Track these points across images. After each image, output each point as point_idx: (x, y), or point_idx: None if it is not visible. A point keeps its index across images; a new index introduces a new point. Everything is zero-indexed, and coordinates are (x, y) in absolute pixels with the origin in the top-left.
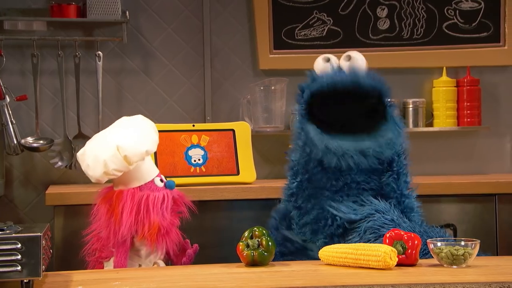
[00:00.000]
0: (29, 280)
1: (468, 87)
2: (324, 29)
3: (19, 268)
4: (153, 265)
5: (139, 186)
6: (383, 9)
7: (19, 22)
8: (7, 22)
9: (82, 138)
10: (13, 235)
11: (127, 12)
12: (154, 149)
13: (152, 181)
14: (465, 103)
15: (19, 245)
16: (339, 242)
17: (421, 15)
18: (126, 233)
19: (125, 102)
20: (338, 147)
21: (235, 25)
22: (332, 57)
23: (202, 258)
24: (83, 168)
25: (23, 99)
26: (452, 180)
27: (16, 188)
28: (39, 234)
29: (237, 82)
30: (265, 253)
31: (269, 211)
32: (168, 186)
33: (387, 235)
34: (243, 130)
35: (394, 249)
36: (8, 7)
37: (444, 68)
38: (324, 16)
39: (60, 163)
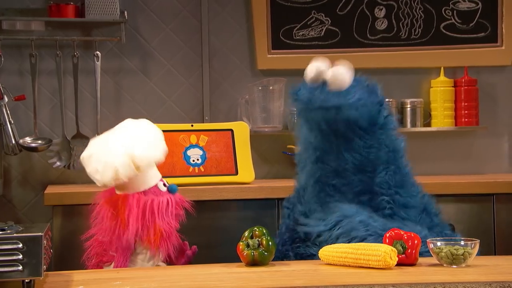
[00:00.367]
0: (30, 280)
1: (465, 87)
2: (322, 29)
3: (20, 268)
4: None
5: (143, 191)
6: (381, 9)
7: (17, 22)
8: (5, 22)
9: (81, 138)
10: (15, 234)
11: (126, 12)
12: (163, 157)
13: (156, 185)
14: (463, 103)
15: (20, 245)
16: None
17: (419, 15)
18: (131, 238)
19: (124, 102)
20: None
21: (233, 25)
22: (320, 68)
23: (201, 258)
24: (88, 170)
25: (21, 99)
26: (450, 180)
27: (14, 188)
28: (40, 234)
29: (235, 82)
30: (265, 253)
31: (267, 211)
32: (170, 190)
33: (387, 234)
34: (241, 130)
35: (394, 248)
36: (6, 7)
37: (442, 68)
38: (322, 16)
39: (58, 163)
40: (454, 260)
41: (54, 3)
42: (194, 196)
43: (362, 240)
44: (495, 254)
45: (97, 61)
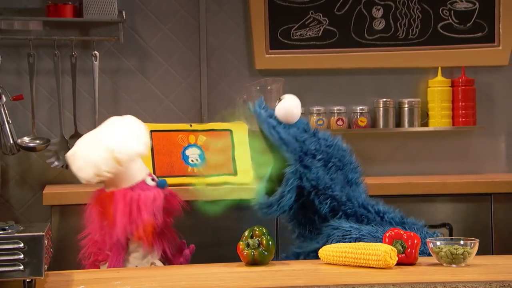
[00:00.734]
0: (32, 280)
1: (463, 87)
2: (320, 29)
3: (21, 267)
4: (150, 265)
5: (130, 186)
6: (379, 10)
7: (15, 21)
8: (3, 22)
9: (79, 137)
10: (16, 234)
11: (124, 12)
12: (145, 150)
13: (143, 180)
14: (460, 103)
15: (21, 245)
16: None
17: (416, 15)
18: (120, 235)
19: (122, 102)
20: None
21: (231, 25)
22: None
23: (200, 258)
24: (73, 169)
25: (20, 99)
26: (447, 180)
27: (12, 188)
28: (41, 233)
29: (233, 82)
30: (265, 253)
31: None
32: (159, 185)
33: (387, 234)
34: (240, 130)
35: (394, 248)
36: (4, 7)
37: (439, 68)
38: (320, 16)
39: (56, 163)
40: (454, 259)
41: (52, 2)
42: (192, 196)
43: (357, 240)
44: (492, 254)
45: (95, 61)
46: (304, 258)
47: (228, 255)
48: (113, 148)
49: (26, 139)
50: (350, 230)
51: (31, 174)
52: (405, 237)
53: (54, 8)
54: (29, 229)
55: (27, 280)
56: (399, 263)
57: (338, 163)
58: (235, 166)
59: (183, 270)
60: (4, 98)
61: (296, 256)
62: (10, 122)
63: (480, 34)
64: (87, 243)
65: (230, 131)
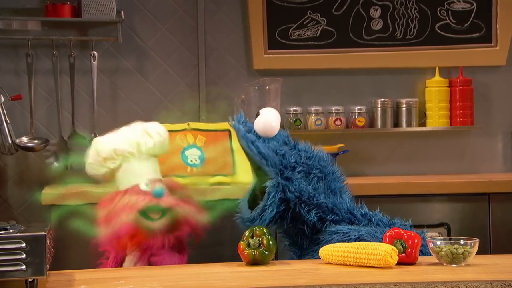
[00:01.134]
0: (34, 279)
1: (460, 87)
2: (318, 29)
3: (23, 267)
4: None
5: (125, 189)
6: (376, 10)
7: (13, 21)
8: (1, 22)
9: (77, 137)
10: (18, 234)
11: (122, 12)
12: (128, 148)
13: (136, 186)
14: (458, 103)
15: (23, 244)
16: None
17: (414, 15)
18: (107, 237)
19: (120, 101)
20: None
21: (230, 25)
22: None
23: (199, 257)
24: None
25: (18, 99)
26: (445, 180)
27: (11, 187)
28: (43, 233)
29: (231, 82)
30: (266, 252)
31: None
32: (154, 193)
33: (387, 234)
34: None
35: (394, 247)
36: (2, 7)
37: (437, 68)
38: (318, 16)
39: (55, 163)
40: (454, 259)
41: (51, 2)
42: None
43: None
44: (490, 253)
45: (94, 61)
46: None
47: (227, 255)
48: (98, 143)
49: (24, 139)
50: (349, 232)
51: (29, 174)
52: (406, 236)
53: (52, 8)
54: (30, 229)
55: (29, 279)
56: (399, 263)
57: (319, 174)
58: (234, 166)
59: (184, 270)
60: (2, 98)
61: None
62: (9, 122)
63: (477, 34)
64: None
65: (229, 131)
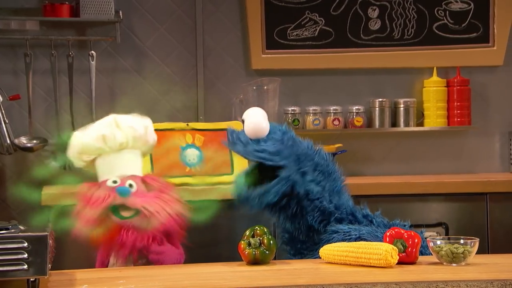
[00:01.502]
0: (36, 279)
1: (458, 87)
2: (316, 29)
3: (25, 266)
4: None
5: (99, 183)
6: (374, 10)
7: (11, 21)
8: (0, 22)
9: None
10: (20, 234)
11: (120, 12)
12: (95, 143)
13: (105, 181)
14: (455, 103)
15: (25, 244)
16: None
17: (412, 15)
18: (80, 230)
19: (118, 101)
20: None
21: (228, 25)
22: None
23: (198, 257)
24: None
25: (16, 99)
26: (443, 179)
27: (9, 188)
28: (46, 233)
29: (229, 82)
30: (267, 252)
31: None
32: (119, 192)
33: (387, 233)
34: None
35: (395, 247)
36: (0, 7)
37: (435, 68)
38: (316, 16)
39: (53, 163)
40: (454, 258)
41: (49, 2)
42: (190, 196)
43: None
44: (488, 253)
45: (92, 61)
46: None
47: (226, 255)
48: (72, 139)
49: (23, 139)
50: (350, 231)
51: (27, 174)
52: (406, 236)
53: (50, 8)
54: (32, 228)
55: (31, 279)
56: (399, 262)
57: (325, 170)
58: (232, 165)
59: (185, 270)
60: (0, 98)
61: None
62: (7, 122)
63: (475, 34)
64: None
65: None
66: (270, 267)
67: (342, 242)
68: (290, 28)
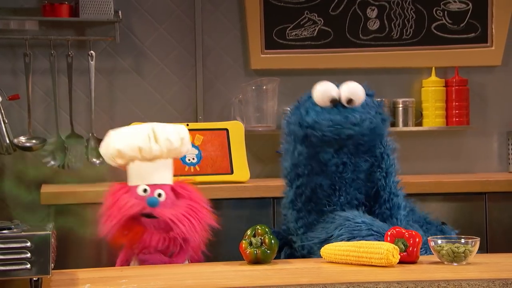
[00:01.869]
0: (38, 278)
1: (456, 87)
2: (315, 29)
3: (28, 266)
4: None
5: (129, 187)
6: (373, 10)
7: (11, 21)
8: None
9: (75, 137)
10: (23, 233)
11: (120, 12)
12: (130, 152)
13: (136, 187)
14: (454, 103)
15: (28, 243)
16: None
17: (410, 15)
18: (104, 230)
19: (117, 101)
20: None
21: (227, 25)
22: (331, 92)
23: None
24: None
25: (16, 99)
26: (441, 179)
27: (8, 187)
28: (48, 232)
29: (228, 82)
30: (268, 251)
31: (263, 210)
32: (148, 202)
33: (388, 233)
34: (236, 129)
35: (396, 246)
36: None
37: (433, 68)
38: (315, 16)
39: (52, 162)
40: (455, 258)
41: (48, 2)
42: None
43: (365, 239)
44: (487, 252)
45: (91, 61)
46: (308, 251)
47: (225, 254)
48: (108, 138)
49: (22, 138)
50: (361, 226)
51: (27, 174)
52: (407, 235)
53: (50, 7)
54: (34, 228)
55: (34, 278)
56: (400, 262)
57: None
58: (231, 165)
59: (187, 269)
60: (0, 98)
61: (301, 249)
62: (6, 121)
63: (473, 34)
64: None
65: (227, 130)
66: (272, 266)
67: (344, 242)
68: (289, 28)
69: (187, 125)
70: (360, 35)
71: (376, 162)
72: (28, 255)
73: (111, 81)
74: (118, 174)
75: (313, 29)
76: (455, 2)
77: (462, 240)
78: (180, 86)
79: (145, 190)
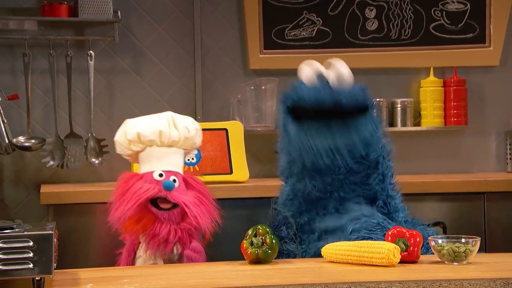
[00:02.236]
0: (41, 278)
1: (454, 87)
2: (314, 30)
3: (31, 265)
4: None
5: (142, 174)
6: (372, 10)
7: (10, 21)
8: None
9: (74, 137)
10: (25, 233)
11: (119, 12)
12: (151, 136)
13: (152, 173)
14: (452, 103)
15: (31, 243)
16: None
17: (409, 16)
18: (116, 217)
19: (117, 101)
20: (313, 146)
21: (226, 25)
22: (318, 68)
23: None
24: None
25: (15, 99)
26: (440, 179)
27: (7, 187)
28: (51, 232)
29: (227, 82)
30: (269, 251)
31: (262, 209)
32: (164, 186)
33: (389, 232)
34: (235, 129)
35: (397, 246)
36: None
37: (431, 68)
38: (314, 16)
39: (51, 162)
40: (456, 257)
41: (47, 2)
42: None
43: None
44: (485, 252)
45: (90, 61)
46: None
47: (224, 254)
48: (128, 121)
49: (21, 138)
50: (376, 228)
51: (26, 174)
52: (408, 235)
53: (49, 7)
54: (36, 228)
55: (37, 278)
56: (401, 261)
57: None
58: (231, 165)
59: (188, 269)
60: None
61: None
62: (5, 121)
63: (471, 34)
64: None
65: (226, 130)
66: (273, 266)
67: (344, 242)
68: (288, 28)
69: None
70: (359, 35)
71: (371, 165)
72: (31, 254)
73: (110, 81)
74: (118, 174)
75: (311, 29)
76: (453, 2)
77: (463, 240)
78: (179, 86)
79: (161, 175)
